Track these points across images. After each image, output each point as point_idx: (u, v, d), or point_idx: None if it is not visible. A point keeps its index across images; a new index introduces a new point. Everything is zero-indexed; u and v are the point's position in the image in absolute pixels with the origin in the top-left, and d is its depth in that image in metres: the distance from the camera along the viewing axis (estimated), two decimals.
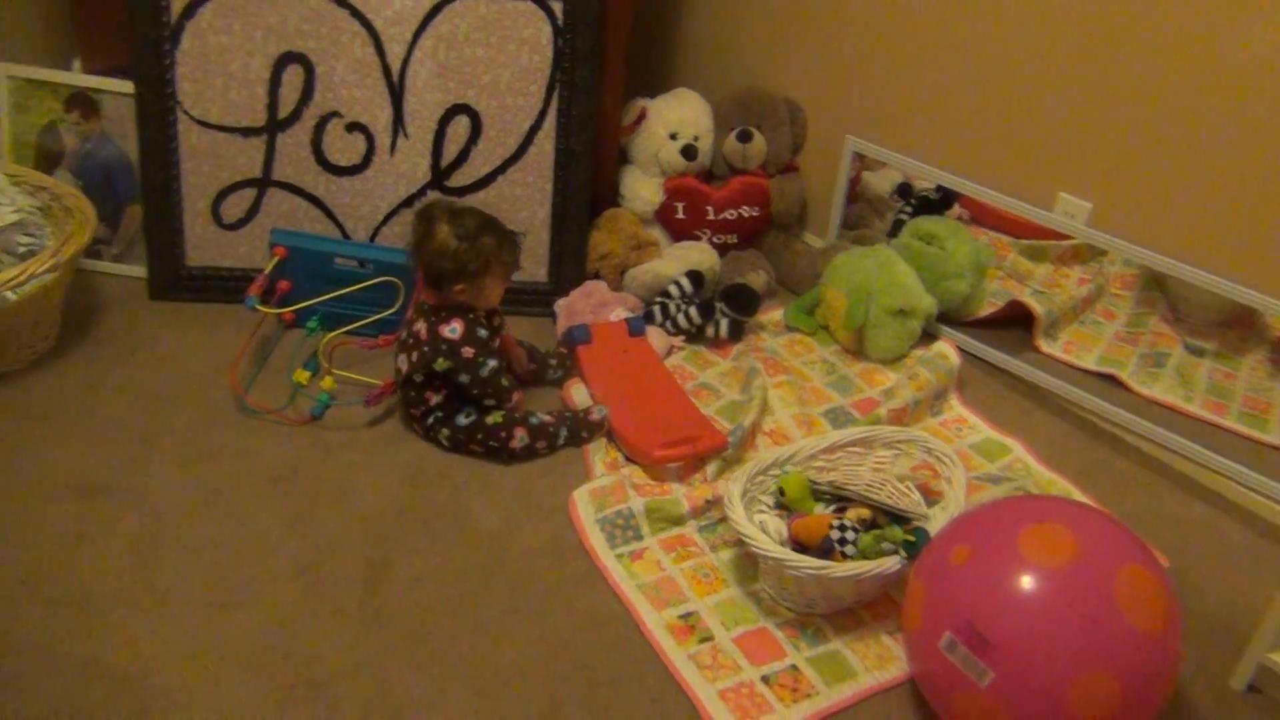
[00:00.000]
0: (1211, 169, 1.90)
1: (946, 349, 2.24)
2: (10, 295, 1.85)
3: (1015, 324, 2.35)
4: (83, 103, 2.19)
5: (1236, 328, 2.25)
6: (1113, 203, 2.06)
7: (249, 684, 1.50)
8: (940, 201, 2.50)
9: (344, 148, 2.17)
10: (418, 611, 1.64)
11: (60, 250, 1.90)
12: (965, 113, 2.23)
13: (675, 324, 2.23)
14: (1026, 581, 1.37)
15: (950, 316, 2.36)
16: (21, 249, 1.97)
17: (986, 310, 2.39)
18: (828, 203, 2.48)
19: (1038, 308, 2.30)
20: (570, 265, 2.29)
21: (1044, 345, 2.31)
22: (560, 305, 2.25)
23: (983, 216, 2.46)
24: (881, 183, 2.64)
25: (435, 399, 1.90)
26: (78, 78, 2.19)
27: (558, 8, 2.11)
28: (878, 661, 1.63)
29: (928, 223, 2.38)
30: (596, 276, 2.32)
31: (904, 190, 2.61)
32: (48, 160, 2.22)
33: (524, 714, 1.50)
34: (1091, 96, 2.02)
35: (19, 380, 1.98)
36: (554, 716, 1.50)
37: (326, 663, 1.55)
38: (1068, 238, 2.30)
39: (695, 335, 2.25)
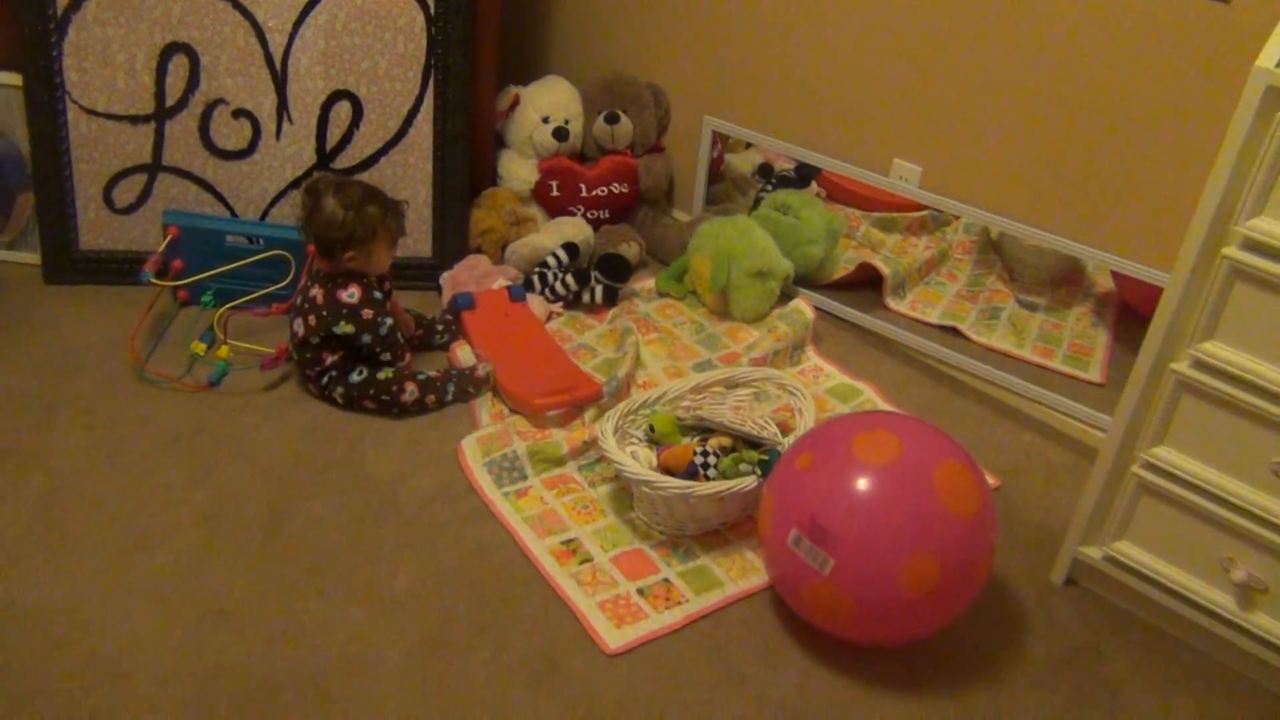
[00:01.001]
0: (1024, 135, 2.15)
1: (802, 305, 2.45)
2: None
3: (867, 286, 2.57)
4: None
5: (1065, 286, 2.51)
6: (940, 166, 2.30)
7: (160, 615, 1.62)
8: (798, 180, 2.72)
9: (230, 133, 2.28)
10: (317, 548, 1.77)
11: None
12: (809, 91, 2.44)
13: (554, 291, 2.40)
14: (858, 478, 1.57)
15: (807, 280, 2.57)
16: None
17: (840, 274, 2.61)
18: (692, 180, 2.68)
19: (885, 268, 2.53)
20: (453, 241, 2.44)
21: (892, 303, 2.54)
22: (445, 278, 2.40)
23: (836, 194, 2.68)
24: (743, 164, 2.85)
25: (331, 359, 2.03)
26: None
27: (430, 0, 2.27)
28: (741, 573, 1.82)
29: (784, 195, 2.60)
30: (479, 251, 2.47)
31: (765, 170, 2.83)
32: None
33: (420, 629, 1.65)
34: (918, 71, 2.25)
35: None
36: (447, 630, 1.65)
37: (233, 595, 1.67)
38: (915, 208, 2.53)
39: (573, 302, 2.42)
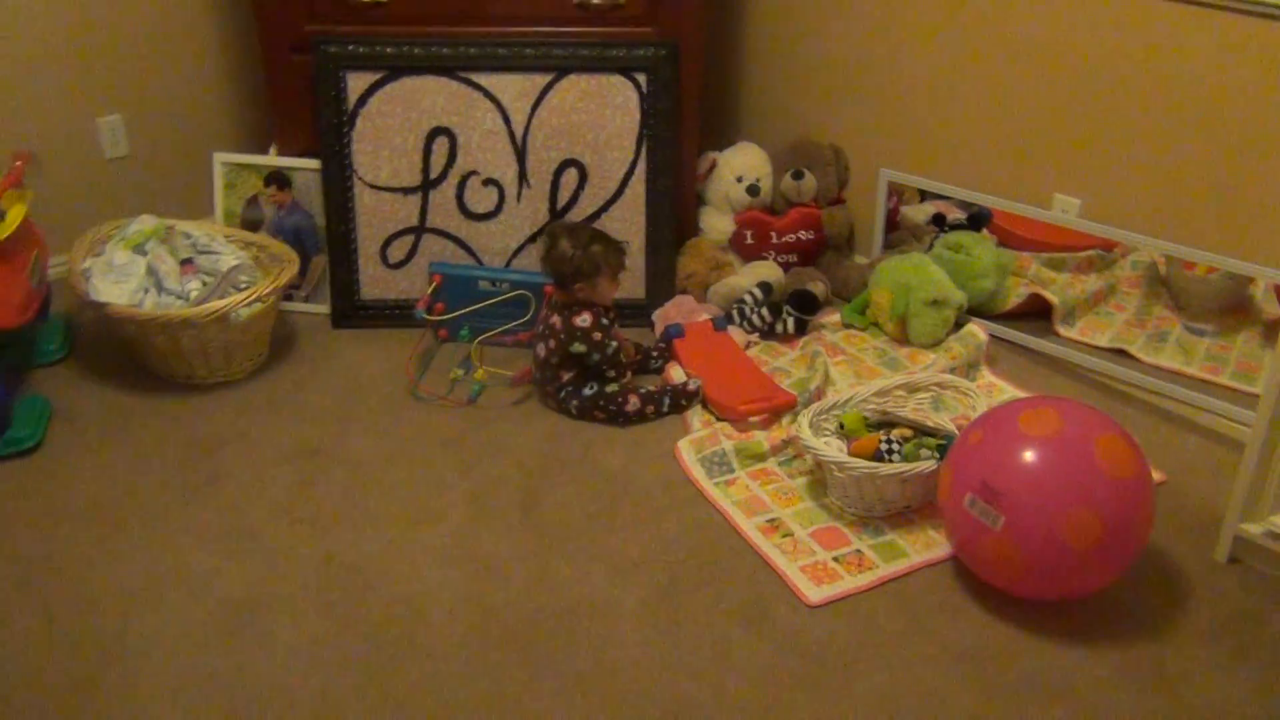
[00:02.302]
0: (1176, 157, 2.38)
1: (974, 328, 2.71)
2: (241, 313, 2.43)
3: (1037, 316, 2.80)
4: (278, 179, 2.82)
5: (1233, 314, 2.68)
6: (1099, 197, 2.54)
7: (443, 570, 2.01)
8: (971, 228, 2.99)
9: (481, 199, 2.75)
10: (563, 524, 2.14)
11: (274, 283, 2.49)
12: (972, 136, 2.74)
13: (750, 323, 2.74)
14: (1024, 446, 1.83)
15: (980, 311, 2.82)
16: (243, 285, 2.57)
17: (1010, 305, 2.85)
18: (871, 226, 2.99)
19: (1054, 298, 2.76)
20: (663, 283, 2.83)
21: (1062, 330, 2.76)
22: (657, 314, 2.78)
23: (1006, 239, 2.93)
24: (917, 215, 3.14)
25: (566, 376, 2.43)
26: (275, 160, 2.83)
27: (642, 79, 2.69)
28: (925, 546, 2.08)
29: (955, 235, 2.88)
30: (684, 292, 2.85)
31: (938, 220, 3.11)
32: (250, 227, 2.83)
33: (650, 583, 1.98)
34: (1074, 110, 2.52)
35: (243, 385, 2.56)
36: (673, 585, 1.98)
37: (499, 556, 2.05)
38: (1082, 247, 2.75)
39: (767, 332, 2.75)
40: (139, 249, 2.58)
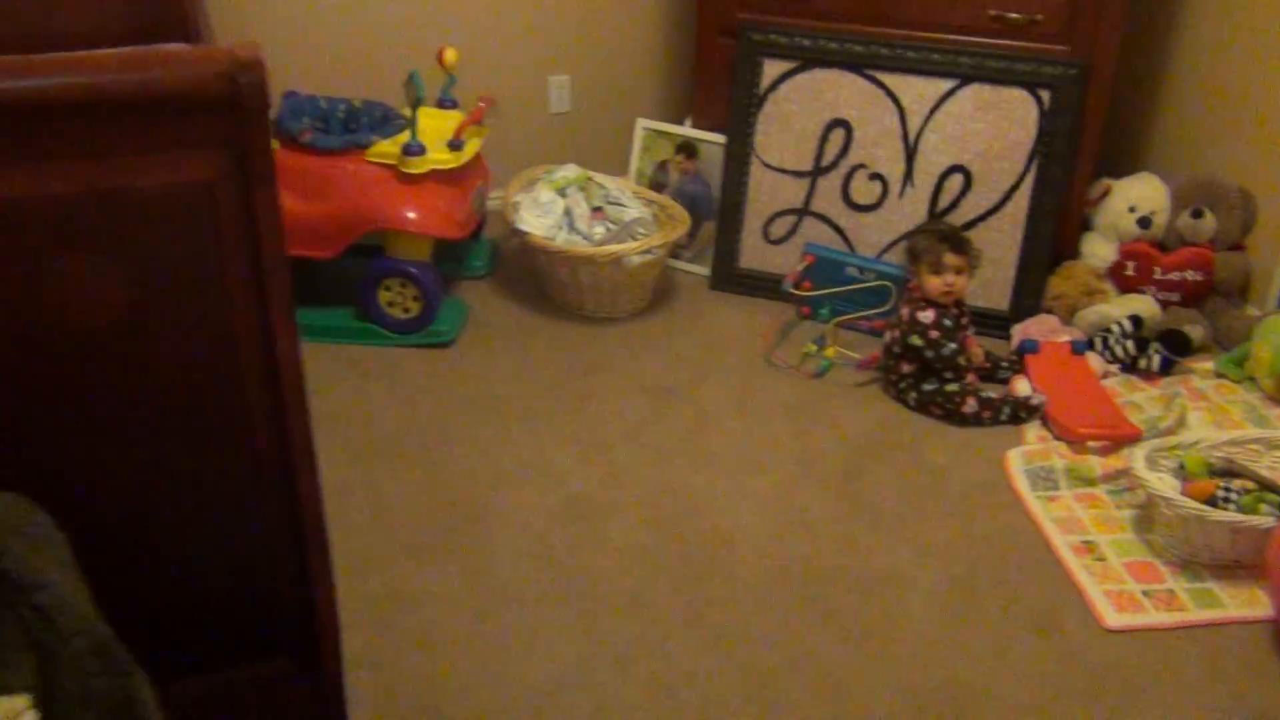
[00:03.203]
0: None
1: None
2: (634, 259, 2.75)
3: None
4: (687, 148, 3.12)
5: None
6: None
7: (759, 515, 2.21)
8: None
9: (865, 191, 2.90)
10: (878, 500, 2.26)
11: (666, 238, 2.79)
12: None
13: (1112, 353, 2.69)
14: None
15: None
16: (640, 235, 2.89)
17: None
18: (1270, 278, 2.82)
19: None
20: (1028, 300, 2.84)
21: None
22: (1016, 329, 2.80)
23: None
24: None
25: (907, 368, 2.54)
26: (688, 131, 3.13)
27: (1045, 95, 2.72)
28: (1246, 603, 2.00)
29: None
30: (1049, 312, 2.84)
31: None
32: (655, 188, 3.16)
33: (949, 571, 2.07)
34: None
35: (622, 323, 2.89)
36: (971, 578, 2.06)
37: (812, 514, 2.22)
38: None
39: (1128, 366, 2.69)
40: (561, 192, 2.98)
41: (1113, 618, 1.95)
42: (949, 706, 1.79)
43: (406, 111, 2.66)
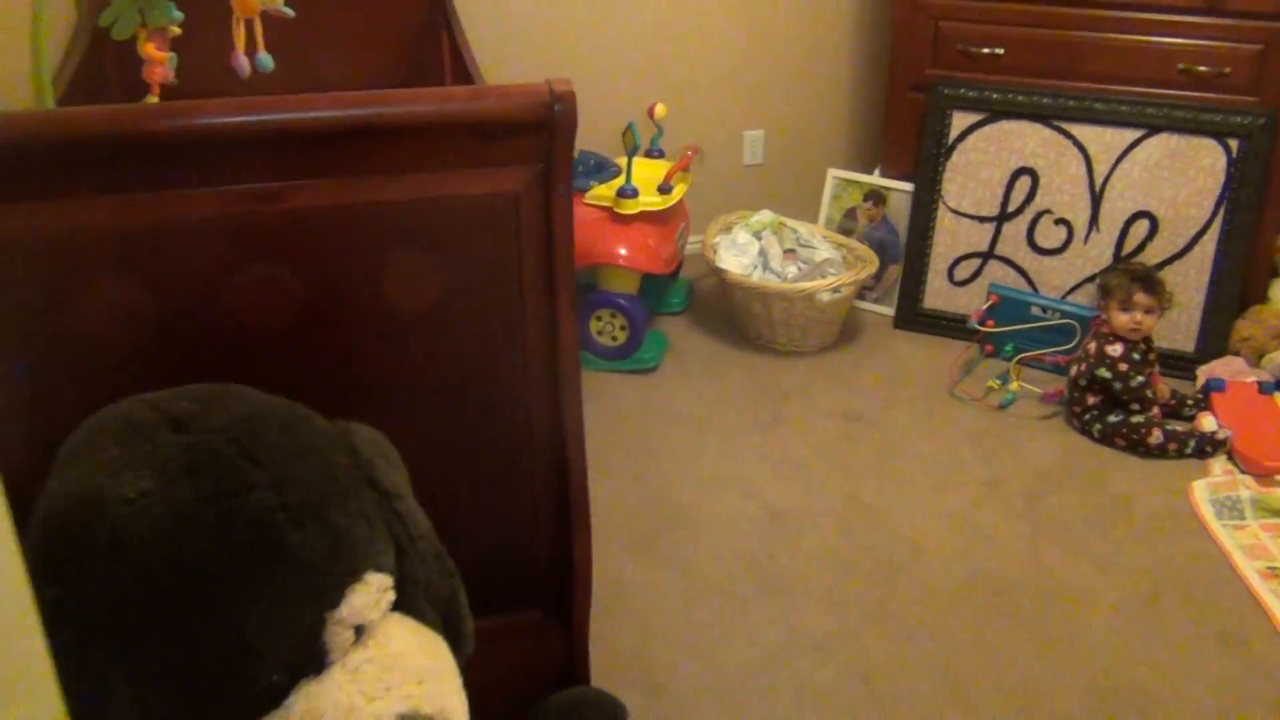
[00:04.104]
0: None
1: None
2: (824, 296, 2.95)
3: None
4: (875, 196, 3.32)
5: None
6: None
7: (945, 528, 2.35)
8: None
9: (1050, 236, 3.03)
10: (1063, 522, 2.37)
11: (855, 276, 2.99)
12: None
13: None
14: None
15: None
16: (830, 274, 3.09)
17: None
18: None
19: None
20: (1215, 342, 2.90)
21: None
22: (1201, 370, 2.86)
23: None
24: None
25: (1092, 400, 2.64)
26: (877, 179, 3.33)
27: (1234, 144, 2.80)
28: None
29: None
30: (1236, 354, 2.89)
31: None
32: (844, 234, 3.36)
33: (1134, 589, 2.17)
34: None
35: (810, 357, 3.08)
36: (1156, 595, 2.15)
37: (998, 532, 2.34)
38: None
39: None
40: (756, 235, 3.21)
41: None
42: (1133, 709, 1.89)
43: (621, 160, 2.95)
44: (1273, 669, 1.96)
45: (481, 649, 1.46)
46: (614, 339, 2.99)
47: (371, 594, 1.08)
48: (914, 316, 3.23)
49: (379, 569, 1.11)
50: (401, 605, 1.15)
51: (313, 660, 1.04)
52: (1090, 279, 3.00)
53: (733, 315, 3.21)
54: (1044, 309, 2.94)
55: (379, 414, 1.46)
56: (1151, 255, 2.93)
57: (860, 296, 3.31)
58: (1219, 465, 2.54)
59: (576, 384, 1.50)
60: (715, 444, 2.68)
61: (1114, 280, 2.69)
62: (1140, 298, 2.64)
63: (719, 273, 3.10)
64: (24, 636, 0.64)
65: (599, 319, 2.98)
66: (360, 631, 1.08)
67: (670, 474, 2.56)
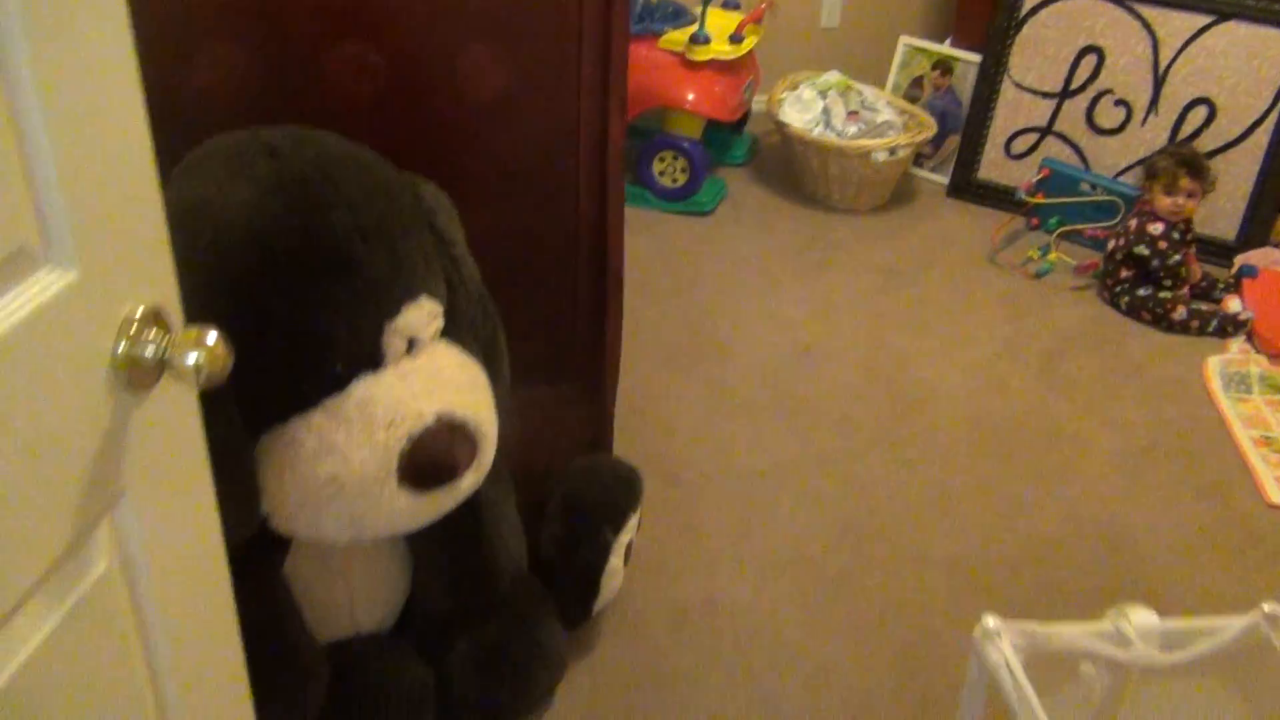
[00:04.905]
0: None
1: None
2: (881, 156, 3.06)
3: None
4: (943, 65, 3.38)
5: None
6: None
7: (965, 376, 2.52)
8: None
9: (1108, 115, 3.09)
10: (1076, 382, 2.52)
11: (912, 139, 3.09)
12: None
13: None
14: None
15: None
16: (890, 135, 3.19)
17: None
18: None
19: None
20: (1257, 232, 2.97)
21: None
22: (1238, 259, 2.94)
23: None
24: None
25: (1125, 274, 2.75)
26: (946, 49, 3.39)
27: None
28: None
29: None
30: (1277, 247, 2.96)
31: None
32: (910, 101, 3.44)
33: (1131, 440, 2.32)
34: None
35: (860, 215, 3.21)
36: (1151, 449, 2.31)
37: (1012, 384, 2.50)
38: None
39: None
40: (822, 94, 3.31)
41: (1276, 495, 2.16)
42: (1107, 536, 2.07)
43: (697, 8, 3.06)
44: (1245, 519, 2.11)
45: (521, 416, 1.67)
46: (674, 180, 3.14)
47: (423, 314, 1.29)
48: (967, 186, 3.33)
49: (431, 296, 1.32)
50: (449, 334, 1.36)
51: (371, 359, 1.26)
52: (1142, 161, 3.06)
53: (791, 170, 3.33)
54: (1092, 185, 3.03)
55: (446, 189, 1.66)
56: (1205, 141, 2.98)
57: (917, 164, 3.41)
58: (1236, 344, 2.65)
59: (620, 181, 1.67)
60: (758, 284, 2.84)
61: (1161, 163, 2.76)
62: (1185, 182, 2.72)
63: (781, 127, 3.22)
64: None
65: (661, 160, 3.13)
66: (413, 345, 1.29)
67: (712, 306, 2.74)
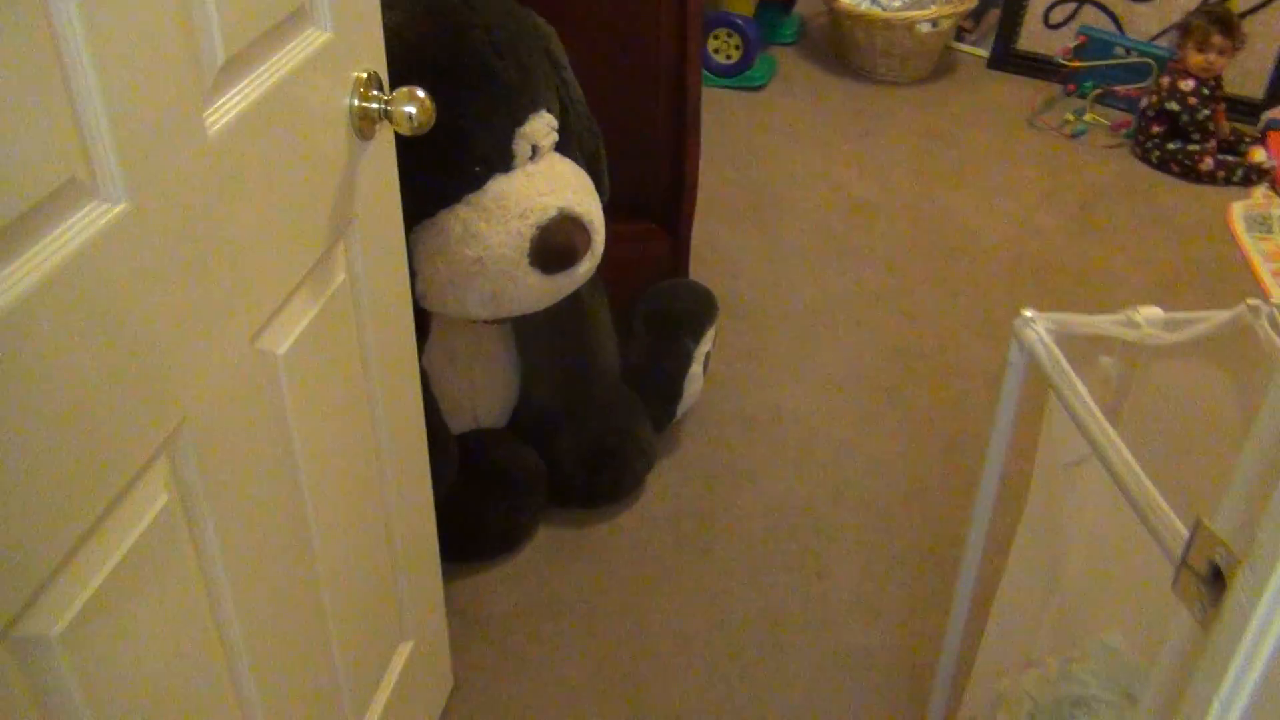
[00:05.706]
0: None
1: None
2: (924, 26, 3.24)
3: None
4: None
5: None
6: None
7: (1003, 225, 2.73)
8: None
9: None
10: (1107, 225, 2.73)
11: (956, 10, 3.26)
12: None
13: None
14: None
15: None
16: (933, 8, 3.36)
17: None
18: None
19: None
20: None
21: None
22: (1265, 116, 3.11)
23: None
24: None
25: (1157, 129, 2.93)
26: None
27: None
28: None
29: None
30: None
31: None
32: None
33: (1155, 275, 2.53)
34: None
35: (904, 87, 3.39)
36: (1175, 280, 2.51)
37: (1048, 229, 2.71)
38: None
39: None
40: None
41: None
42: None
43: None
44: None
45: (610, 248, 1.91)
46: (728, 57, 3.33)
47: (544, 125, 1.53)
48: (1008, 57, 3.49)
49: (549, 110, 1.55)
50: (561, 148, 1.60)
51: (503, 160, 1.50)
52: (1175, 26, 3.21)
53: (839, 47, 3.51)
54: (1126, 49, 3.19)
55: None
56: (1238, 2, 3.13)
57: (959, 38, 3.57)
58: (1260, 191, 2.83)
59: (699, 23, 1.89)
60: (810, 150, 3.05)
61: (1194, 21, 2.92)
62: (1217, 39, 2.88)
63: (830, 3, 3.39)
64: None
65: (716, 38, 3.31)
66: (535, 152, 1.53)
67: (768, 170, 2.95)
